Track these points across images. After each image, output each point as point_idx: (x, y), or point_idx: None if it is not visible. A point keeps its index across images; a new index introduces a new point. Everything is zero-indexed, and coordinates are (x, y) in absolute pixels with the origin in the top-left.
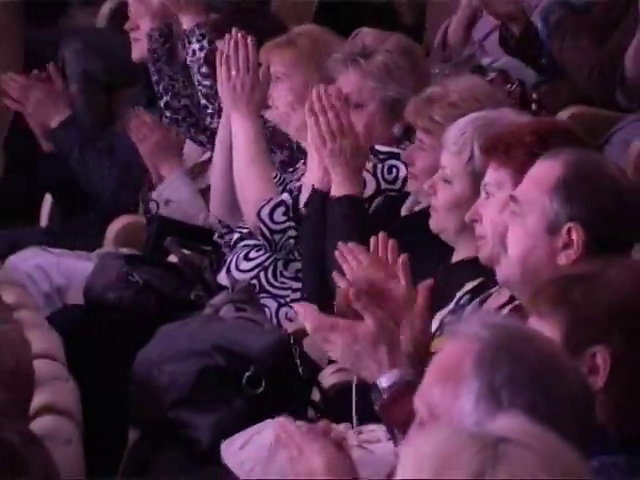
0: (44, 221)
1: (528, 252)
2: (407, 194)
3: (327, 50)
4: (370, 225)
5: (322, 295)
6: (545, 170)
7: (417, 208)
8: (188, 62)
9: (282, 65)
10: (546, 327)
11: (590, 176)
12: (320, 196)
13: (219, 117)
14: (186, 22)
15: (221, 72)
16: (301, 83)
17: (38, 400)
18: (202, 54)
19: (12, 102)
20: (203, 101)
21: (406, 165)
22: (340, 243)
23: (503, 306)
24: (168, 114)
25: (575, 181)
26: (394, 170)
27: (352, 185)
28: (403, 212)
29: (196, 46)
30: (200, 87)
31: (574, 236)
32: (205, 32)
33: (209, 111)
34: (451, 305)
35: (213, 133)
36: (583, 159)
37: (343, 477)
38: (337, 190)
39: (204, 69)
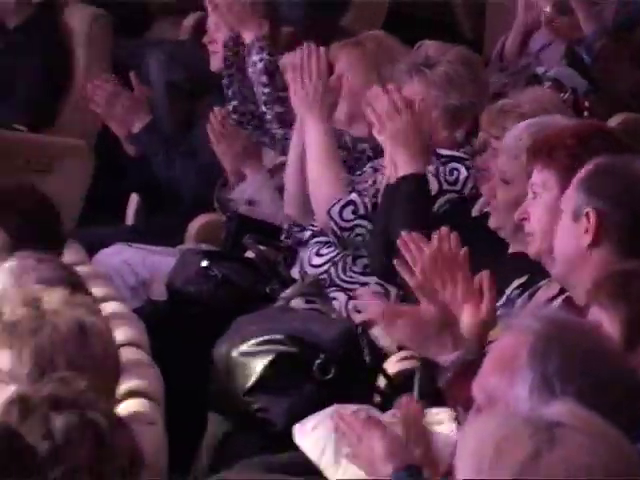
0: (130, 220)
1: (563, 242)
2: (473, 196)
3: (390, 55)
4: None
5: (389, 276)
6: (583, 170)
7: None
8: (249, 73)
9: (346, 63)
10: (606, 319)
11: (624, 177)
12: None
13: (277, 122)
14: (247, 36)
15: (294, 81)
16: (361, 81)
17: (125, 385)
18: (262, 65)
19: (97, 107)
20: (262, 108)
21: (468, 168)
22: (403, 233)
23: (553, 298)
24: (235, 117)
25: (600, 174)
26: (455, 172)
27: (417, 164)
28: (474, 213)
29: (256, 58)
30: (260, 95)
31: (591, 220)
32: (264, 45)
33: (268, 117)
34: (503, 299)
35: (273, 137)
36: (618, 161)
37: (403, 461)
38: (402, 170)
39: (263, 78)
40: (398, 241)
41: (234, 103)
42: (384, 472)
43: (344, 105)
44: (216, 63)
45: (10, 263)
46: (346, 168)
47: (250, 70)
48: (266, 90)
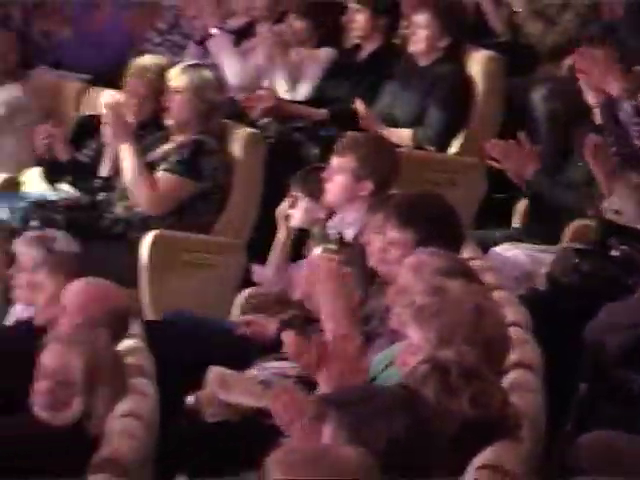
0: (516, 223)
1: None
2: None
3: None
4: None
5: None
6: None
7: None
8: (621, 116)
9: None
10: None
11: None
12: None
13: None
14: (614, 88)
15: None
16: None
17: (512, 358)
18: (631, 109)
19: (494, 161)
20: (637, 142)
21: None
22: None
23: None
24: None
25: None
26: None
27: None
28: None
29: (626, 104)
30: (633, 132)
31: None
32: (630, 93)
33: None
34: None
35: None
36: None
37: None
38: None
39: (635, 119)
40: None
41: (614, 148)
42: None
43: None
44: (591, 99)
45: (411, 259)
46: None
47: (621, 114)
48: (637, 128)
